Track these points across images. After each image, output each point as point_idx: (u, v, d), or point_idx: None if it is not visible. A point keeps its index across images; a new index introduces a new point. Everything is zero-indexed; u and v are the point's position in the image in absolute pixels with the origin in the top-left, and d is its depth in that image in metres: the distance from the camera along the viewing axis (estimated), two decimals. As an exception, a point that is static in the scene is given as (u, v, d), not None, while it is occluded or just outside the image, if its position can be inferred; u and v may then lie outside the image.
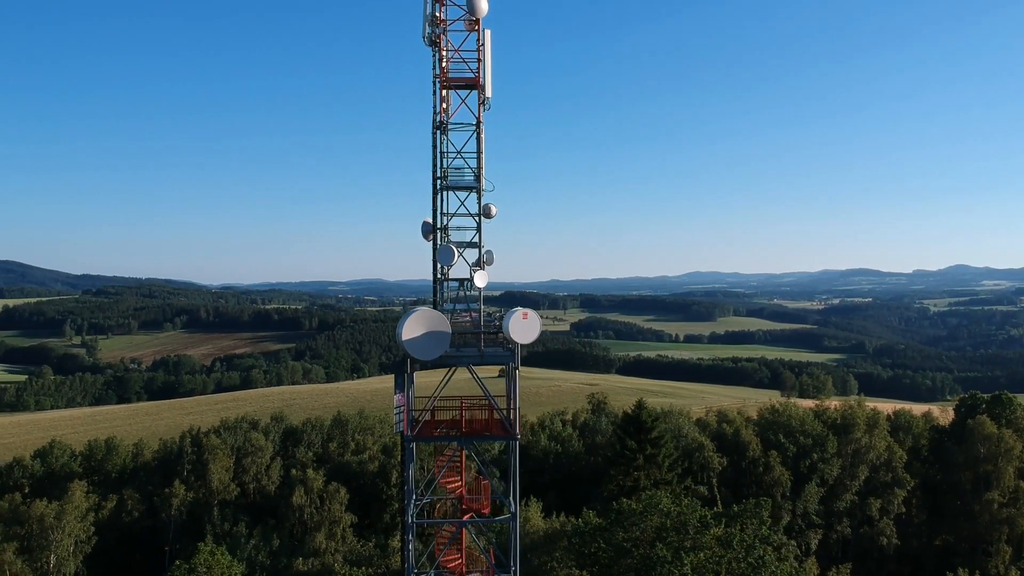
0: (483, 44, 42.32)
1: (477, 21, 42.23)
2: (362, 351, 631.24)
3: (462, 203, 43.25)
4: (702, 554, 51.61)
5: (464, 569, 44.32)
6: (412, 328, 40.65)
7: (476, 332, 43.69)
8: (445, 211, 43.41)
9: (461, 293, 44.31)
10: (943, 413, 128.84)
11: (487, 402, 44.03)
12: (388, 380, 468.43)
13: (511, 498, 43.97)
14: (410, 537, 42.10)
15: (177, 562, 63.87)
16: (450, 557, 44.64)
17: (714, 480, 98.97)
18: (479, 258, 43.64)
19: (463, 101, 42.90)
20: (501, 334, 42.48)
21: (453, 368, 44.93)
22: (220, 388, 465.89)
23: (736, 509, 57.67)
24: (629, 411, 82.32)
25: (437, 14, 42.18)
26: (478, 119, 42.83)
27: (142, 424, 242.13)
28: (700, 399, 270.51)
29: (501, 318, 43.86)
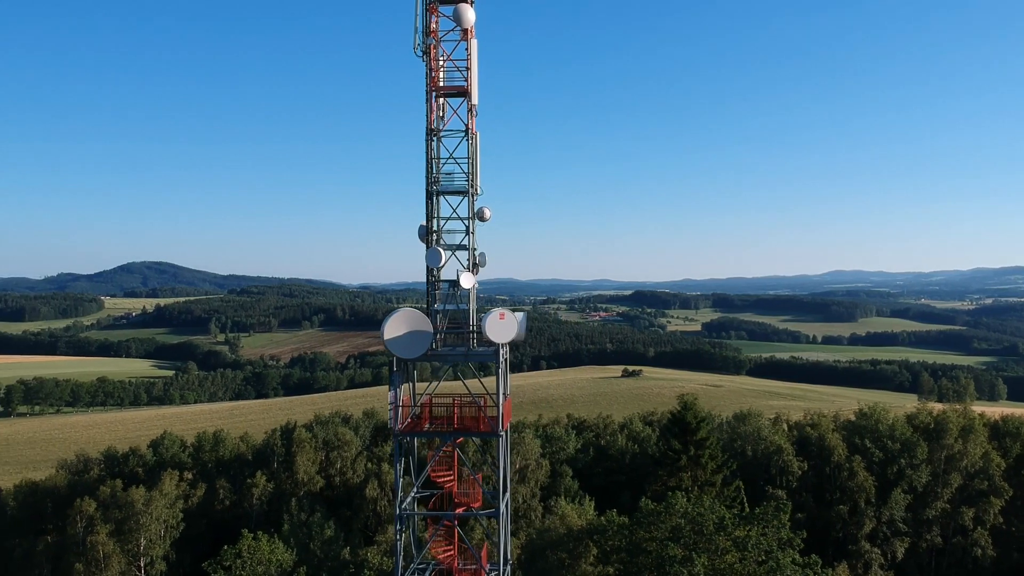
0: (470, 53, 43.63)
1: (466, 31, 43.54)
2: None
3: (454, 210, 44.71)
4: (728, 556, 51.36)
5: (456, 562, 45.59)
6: (394, 328, 42.28)
7: (464, 332, 44.84)
8: (437, 215, 44.86)
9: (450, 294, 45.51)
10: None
11: (482, 399, 45.02)
12: (515, 378, 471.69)
13: (501, 493, 44.72)
14: (399, 527, 43.85)
15: (225, 547, 67.83)
16: (444, 550, 45.98)
17: (794, 484, 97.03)
18: (472, 261, 44.90)
19: (455, 111, 44.41)
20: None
21: (449, 366, 46.14)
22: (352, 384, 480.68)
23: (758, 511, 56.81)
24: (675, 411, 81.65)
25: (432, 25, 43.71)
26: (467, 126, 44.13)
27: (274, 418, 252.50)
28: (830, 403, 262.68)
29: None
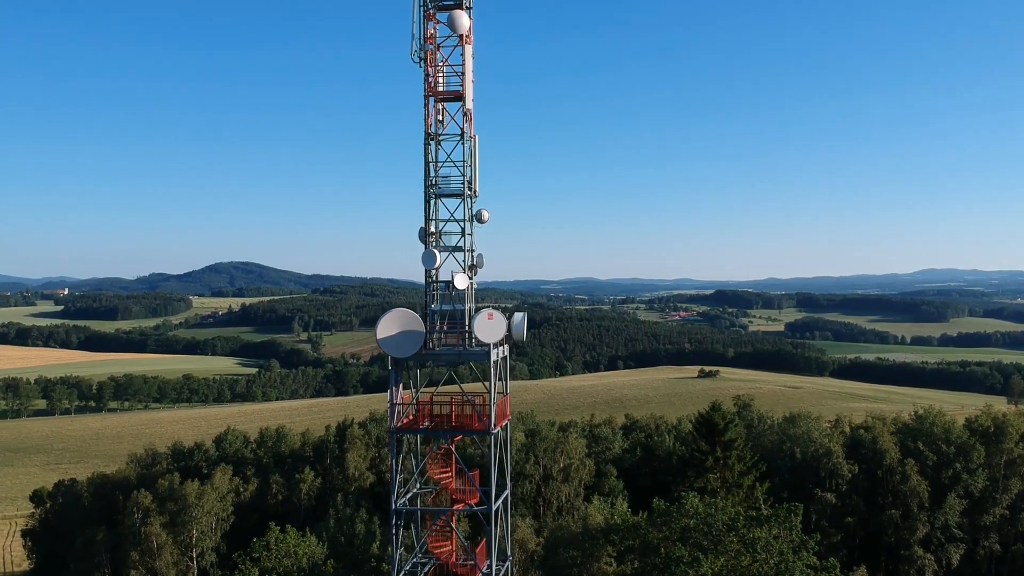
0: (465, 58, 44.47)
1: (462, 37, 44.39)
2: (567, 349, 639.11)
3: (451, 214, 45.63)
4: (744, 559, 51.13)
5: (454, 556, 46.46)
6: (386, 328, 43.43)
7: (459, 331, 45.68)
8: (436, 217, 45.86)
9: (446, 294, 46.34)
10: None
11: (479, 398, 45.92)
12: (590, 378, 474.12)
13: (494, 492, 45.42)
14: (394, 522, 45.09)
15: (255, 539, 70.08)
16: (441, 544, 46.91)
17: (843, 487, 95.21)
18: (471, 262, 45.78)
19: (452, 117, 45.40)
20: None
21: (442, 365, 47.17)
22: (430, 383, 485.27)
23: (770, 513, 56.19)
24: (703, 412, 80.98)
25: (431, 31, 44.71)
26: (462, 130, 45.03)
27: (350, 415, 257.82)
28: (912, 405, 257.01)
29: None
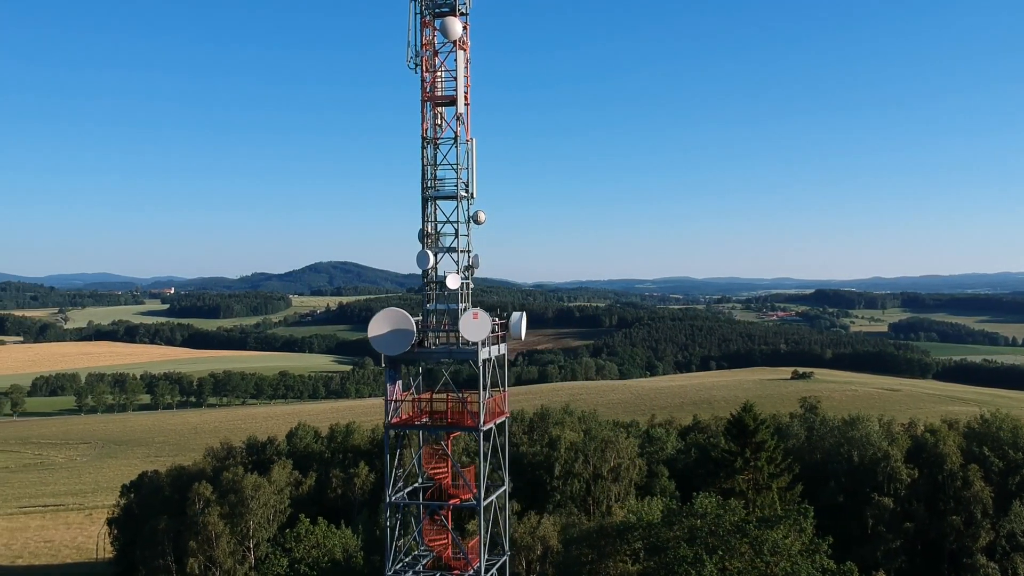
0: (458, 64, 45.51)
1: (456, 42, 45.47)
2: (658, 349, 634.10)
3: (447, 217, 46.82)
4: (758, 561, 50.79)
5: (449, 551, 47.59)
6: (377, 326, 44.94)
7: (454, 331, 46.78)
8: (434, 218, 47.07)
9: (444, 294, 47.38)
10: None
11: (474, 395, 47.01)
12: (679, 378, 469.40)
13: (483, 488, 46.40)
14: (388, 515, 46.65)
15: (287, 531, 72.44)
16: (437, 539, 48.07)
17: (902, 492, 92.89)
18: (467, 263, 46.87)
19: (448, 123, 46.46)
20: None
21: (435, 363, 48.42)
22: (519, 381, 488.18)
23: (779, 514, 55.48)
24: (735, 413, 79.95)
25: (428, 38, 45.94)
26: (456, 133, 46.05)
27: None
28: (1019, 409, 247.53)
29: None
